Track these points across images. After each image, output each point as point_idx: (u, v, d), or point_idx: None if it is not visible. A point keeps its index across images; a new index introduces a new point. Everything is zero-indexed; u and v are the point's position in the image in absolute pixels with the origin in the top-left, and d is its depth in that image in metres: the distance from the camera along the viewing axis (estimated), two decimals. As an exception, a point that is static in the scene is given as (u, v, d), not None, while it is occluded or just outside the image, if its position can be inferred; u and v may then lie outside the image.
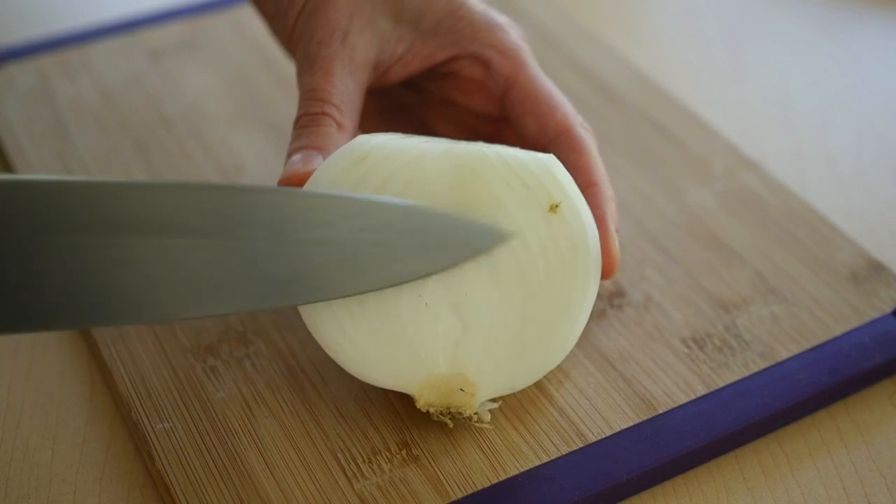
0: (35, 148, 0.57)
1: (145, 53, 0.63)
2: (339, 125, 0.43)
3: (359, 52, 0.45)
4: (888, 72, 0.66)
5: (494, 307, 0.40)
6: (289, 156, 0.43)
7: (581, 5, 0.70)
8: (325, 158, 0.42)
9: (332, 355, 0.41)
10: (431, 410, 0.41)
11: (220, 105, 0.60)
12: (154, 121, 0.59)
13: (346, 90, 0.44)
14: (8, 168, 0.57)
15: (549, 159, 0.41)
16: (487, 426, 0.42)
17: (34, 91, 0.61)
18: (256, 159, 0.56)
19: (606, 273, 0.43)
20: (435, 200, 0.40)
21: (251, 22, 0.65)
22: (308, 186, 0.41)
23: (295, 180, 0.42)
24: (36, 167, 0.55)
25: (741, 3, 0.72)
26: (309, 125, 0.43)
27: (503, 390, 0.42)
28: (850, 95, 0.64)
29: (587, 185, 0.44)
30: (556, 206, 0.40)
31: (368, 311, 0.40)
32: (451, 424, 0.41)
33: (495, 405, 0.42)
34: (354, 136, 0.44)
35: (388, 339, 0.40)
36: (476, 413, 0.41)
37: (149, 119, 0.59)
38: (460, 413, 0.41)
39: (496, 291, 0.40)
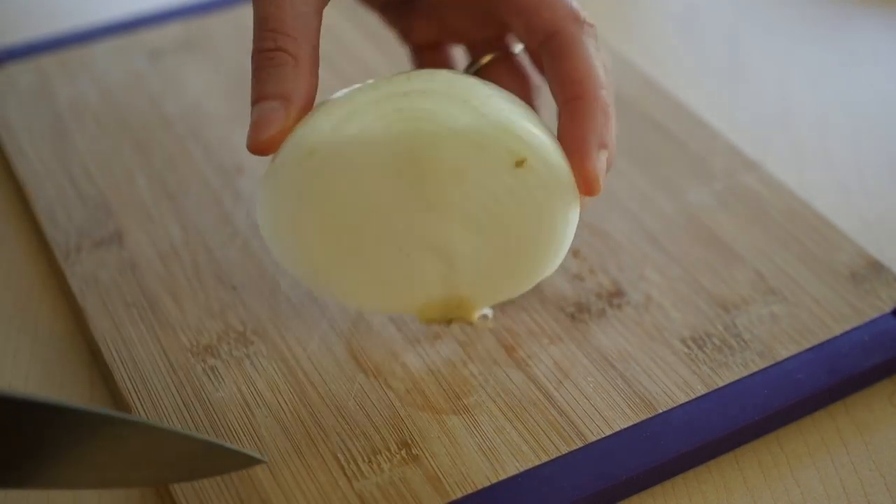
0: (35, 148, 0.57)
1: (145, 53, 0.64)
2: (296, 59, 0.40)
3: None
4: (888, 72, 0.66)
5: (478, 247, 0.41)
6: (252, 104, 0.41)
7: (581, 5, 0.70)
8: (287, 109, 0.40)
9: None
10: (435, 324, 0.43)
11: (220, 105, 0.60)
12: (154, 120, 0.59)
13: (297, 16, 0.40)
14: (8, 168, 0.57)
15: (508, 115, 0.40)
16: (491, 326, 0.44)
17: (34, 91, 0.61)
18: (256, 159, 0.56)
19: (587, 193, 0.41)
20: (392, 189, 0.39)
21: (251, 22, 0.65)
22: (263, 178, 0.40)
23: (261, 147, 0.40)
24: (36, 167, 0.55)
25: (741, 3, 0.72)
26: (264, 65, 0.41)
27: (502, 299, 0.43)
28: (850, 95, 0.64)
29: (571, 98, 0.41)
30: (523, 162, 0.39)
31: (352, 265, 0.41)
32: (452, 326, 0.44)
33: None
34: (314, 65, 0.41)
35: (377, 285, 0.42)
36: (478, 320, 0.43)
37: (149, 119, 0.59)
38: (463, 321, 0.43)
39: (476, 236, 0.40)
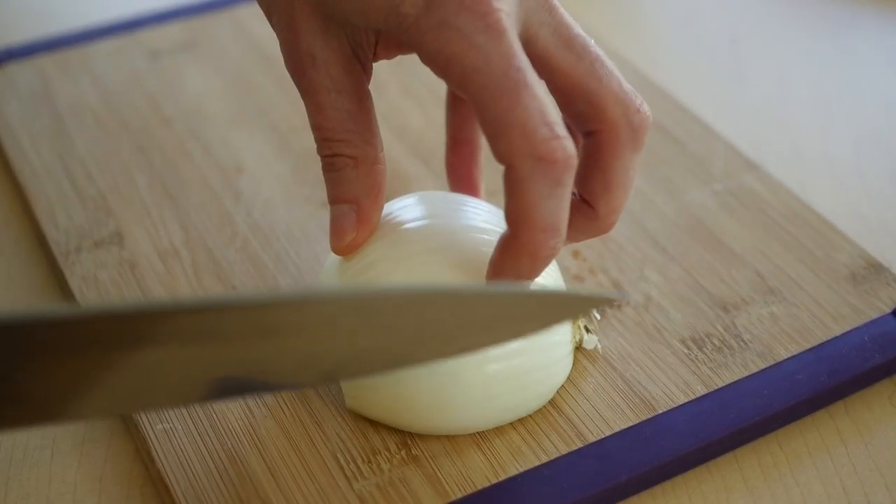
0: (35, 148, 0.57)
1: (145, 53, 0.64)
2: (354, 160, 0.41)
3: (333, 67, 0.40)
4: (888, 72, 0.66)
5: None
6: (329, 204, 0.42)
7: (581, 5, 0.70)
8: (358, 212, 0.41)
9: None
10: None
11: (220, 105, 0.60)
12: (154, 121, 0.59)
13: (343, 114, 0.41)
14: (8, 168, 0.57)
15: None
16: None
17: (34, 91, 0.61)
18: (256, 159, 0.56)
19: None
20: None
21: (251, 22, 0.66)
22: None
23: (343, 252, 0.42)
24: (36, 167, 0.55)
25: (741, 3, 0.72)
26: (328, 170, 0.42)
27: None
28: (850, 95, 0.64)
29: (507, 231, 0.38)
30: None
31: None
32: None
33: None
34: (373, 156, 0.41)
35: None
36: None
37: (149, 119, 0.59)
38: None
39: None
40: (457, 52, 0.36)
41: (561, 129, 0.36)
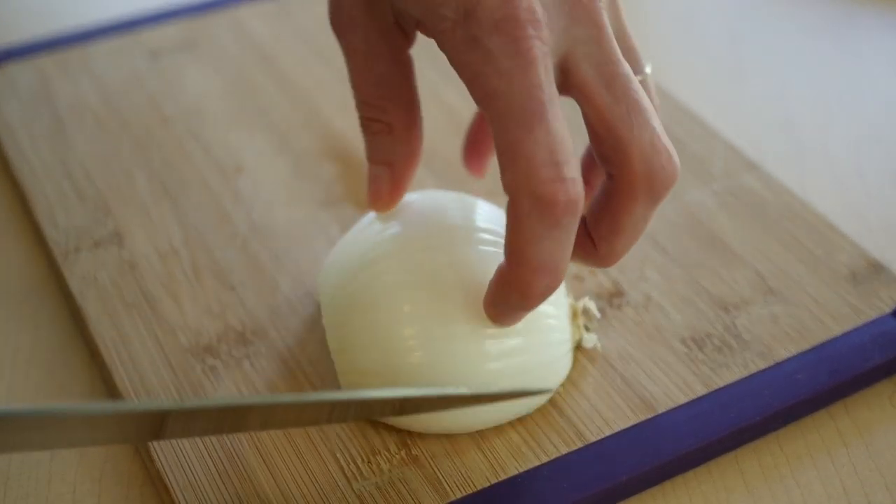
0: (35, 148, 0.57)
1: (145, 53, 0.63)
2: (389, 126, 0.41)
3: (373, 32, 0.40)
4: (888, 72, 0.65)
5: None
6: (368, 162, 0.43)
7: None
8: (391, 174, 0.42)
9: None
10: None
11: (220, 105, 0.60)
12: (154, 121, 0.59)
13: (379, 78, 0.40)
14: (8, 168, 0.57)
15: None
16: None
17: (34, 91, 0.61)
18: (256, 159, 0.56)
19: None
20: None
21: (251, 22, 0.65)
22: (333, 258, 0.44)
23: (380, 210, 0.43)
24: (35, 167, 0.55)
25: (741, 3, 0.72)
26: (365, 132, 0.42)
27: None
28: (850, 95, 0.64)
29: (504, 262, 0.38)
30: None
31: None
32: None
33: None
34: (410, 123, 0.42)
35: None
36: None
37: (149, 119, 0.59)
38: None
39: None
40: (482, 73, 0.36)
41: (569, 171, 0.35)
